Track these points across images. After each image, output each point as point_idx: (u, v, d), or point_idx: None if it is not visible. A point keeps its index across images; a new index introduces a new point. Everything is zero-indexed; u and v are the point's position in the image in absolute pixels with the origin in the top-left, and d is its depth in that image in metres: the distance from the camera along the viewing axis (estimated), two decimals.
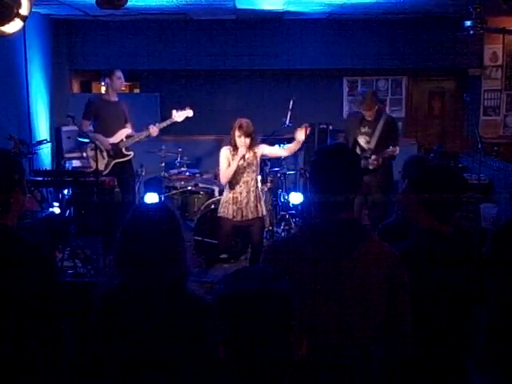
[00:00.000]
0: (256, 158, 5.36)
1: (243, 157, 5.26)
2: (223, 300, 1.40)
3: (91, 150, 6.16)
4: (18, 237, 2.16)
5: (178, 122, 6.42)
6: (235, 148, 5.23)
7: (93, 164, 6.12)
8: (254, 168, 5.36)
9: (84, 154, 6.52)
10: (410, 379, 2.23)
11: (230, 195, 5.35)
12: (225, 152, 5.30)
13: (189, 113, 6.41)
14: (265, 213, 5.55)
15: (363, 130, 6.00)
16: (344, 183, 1.96)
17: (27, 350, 2.11)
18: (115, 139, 6.37)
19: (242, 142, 5.18)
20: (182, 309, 1.98)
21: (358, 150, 5.93)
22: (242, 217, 5.33)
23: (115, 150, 6.36)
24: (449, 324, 2.35)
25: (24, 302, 2.08)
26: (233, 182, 5.33)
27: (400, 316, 1.97)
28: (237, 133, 5.18)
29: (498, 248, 2.85)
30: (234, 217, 5.32)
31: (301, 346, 1.41)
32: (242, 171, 5.30)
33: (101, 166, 6.03)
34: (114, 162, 6.36)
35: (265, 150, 5.48)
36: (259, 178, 5.73)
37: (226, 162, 5.27)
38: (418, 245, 2.32)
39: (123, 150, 6.42)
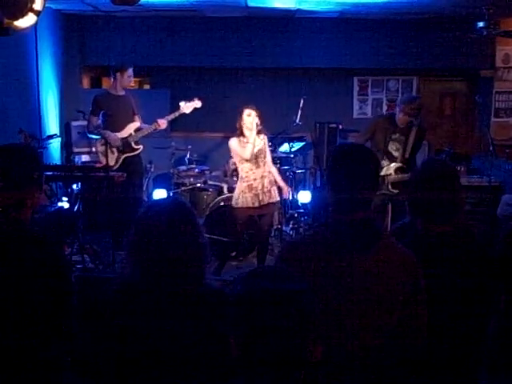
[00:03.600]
0: (264, 144, 5.41)
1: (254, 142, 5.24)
2: (239, 299, 1.38)
3: (101, 145, 6.12)
4: (31, 231, 2.17)
5: (186, 114, 6.37)
6: (243, 135, 5.26)
7: (103, 159, 6.10)
8: (264, 154, 5.41)
9: (94, 149, 6.52)
10: (422, 379, 2.22)
11: (245, 184, 5.35)
12: (235, 140, 5.31)
13: (197, 104, 6.31)
14: (278, 198, 5.57)
15: (394, 136, 5.56)
16: (361, 182, 1.94)
17: (38, 344, 2.11)
18: (124, 133, 6.32)
19: (250, 120, 5.18)
20: (200, 306, 1.95)
21: (384, 158, 5.51)
22: (260, 202, 5.34)
23: (124, 145, 6.32)
24: (450, 325, 2.32)
25: (35, 296, 2.08)
26: (244, 172, 5.36)
27: (415, 317, 1.95)
28: (246, 111, 5.20)
29: (509, 250, 2.82)
30: (253, 203, 5.32)
31: (315, 351, 1.38)
32: (253, 158, 5.30)
33: (111, 161, 6.02)
34: (124, 156, 6.33)
35: (266, 146, 5.49)
36: (271, 165, 5.63)
37: (240, 146, 5.27)
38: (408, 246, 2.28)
39: (132, 143, 6.38)
